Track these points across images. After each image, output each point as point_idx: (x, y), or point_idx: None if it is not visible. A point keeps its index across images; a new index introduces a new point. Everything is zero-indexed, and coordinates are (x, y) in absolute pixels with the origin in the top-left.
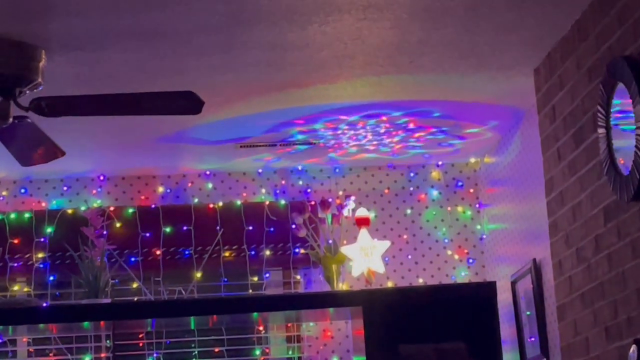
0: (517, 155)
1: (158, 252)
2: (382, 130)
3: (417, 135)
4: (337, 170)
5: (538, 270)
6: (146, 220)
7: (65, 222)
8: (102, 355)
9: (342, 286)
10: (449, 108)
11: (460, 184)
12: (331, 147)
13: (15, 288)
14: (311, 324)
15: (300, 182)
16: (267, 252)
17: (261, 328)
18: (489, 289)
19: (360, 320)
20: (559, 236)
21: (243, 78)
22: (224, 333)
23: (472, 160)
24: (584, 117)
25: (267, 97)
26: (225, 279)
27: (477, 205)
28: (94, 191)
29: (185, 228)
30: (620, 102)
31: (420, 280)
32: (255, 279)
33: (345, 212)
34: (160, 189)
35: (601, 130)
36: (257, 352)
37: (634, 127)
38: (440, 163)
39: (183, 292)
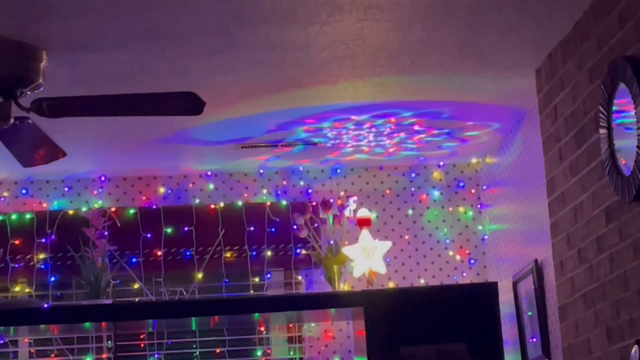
0: (518, 156)
1: (159, 253)
2: (384, 131)
3: (418, 135)
4: (338, 170)
5: (540, 270)
6: (147, 221)
7: (67, 223)
8: (104, 356)
9: (343, 287)
10: (450, 108)
11: (461, 184)
12: (332, 148)
13: (17, 289)
14: (312, 324)
15: (302, 183)
16: (269, 253)
17: (262, 329)
18: (490, 289)
19: (362, 321)
20: (560, 237)
21: (244, 78)
22: (226, 334)
23: (474, 160)
24: (586, 118)
25: (268, 97)
26: (227, 280)
27: (479, 206)
28: (95, 192)
29: (186, 229)
30: (622, 102)
31: (422, 281)
32: (257, 279)
33: (346, 213)
34: (162, 190)
35: (603, 131)
36: (259, 353)
37: (636, 127)
38: (441, 164)
39: (184, 292)
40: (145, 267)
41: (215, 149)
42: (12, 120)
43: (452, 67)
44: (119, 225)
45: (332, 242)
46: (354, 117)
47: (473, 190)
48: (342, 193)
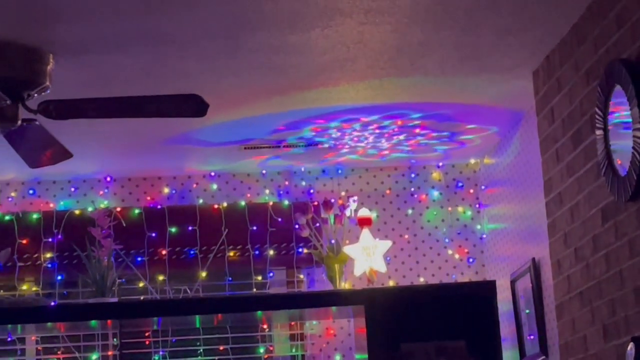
0: (516, 157)
1: (164, 252)
2: (384, 132)
3: (418, 137)
4: (339, 171)
5: (537, 269)
6: (152, 221)
7: (73, 223)
8: (109, 353)
9: (344, 285)
10: (449, 110)
11: (460, 184)
12: (334, 149)
13: (24, 287)
14: (314, 322)
15: (303, 183)
16: (271, 252)
17: (265, 326)
18: (488, 287)
19: (363, 319)
20: (557, 236)
21: (247, 81)
22: (229, 331)
23: (472, 161)
24: (582, 119)
25: (271, 99)
26: (230, 278)
27: (477, 206)
28: (101, 192)
29: (190, 228)
30: (618, 104)
31: (422, 279)
32: (259, 278)
33: (347, 213)
34: (166, 190)
35: (599, 132)
36: (261, 350)
37: (631, 128)
38: (440, 164)
39: (188, 291)
40: (150, 266)
41: (218, 150)
42: (19, 122)
43: (451, 69)
44: (124, 224)
45: (333, 241)
46: (354, 119)
47: (471, 190)
48: (343, 193)
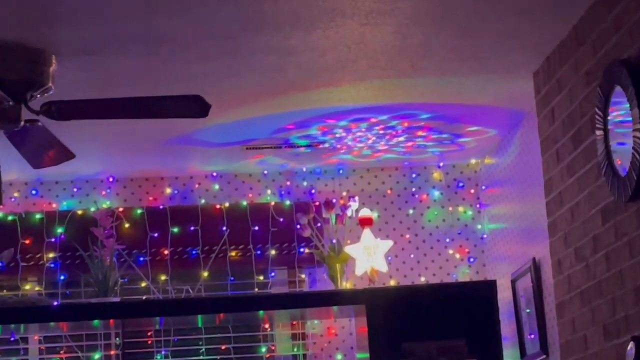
0: (516, 157)
1: (166, 252)
2: (385, 133)
3: (418, 137)
4: (340, 171)
5: (537, 269)
6: (154, 221)
7: (76, 223)
8: (112, 352)
9: (345, 285)
10: (450, 110)
11: (461, 184)
12: (335, 149)
13: (27, 287)
14: (316, 321)
15: (305, 183)
16: (273, 252)
17: (267, 326)
18: (489, 287)
19: (364, 318)
20: (558, 236)
21: (248, 82)
22: (231, 331)
23: (473, 161)
24: (582, 120)
25: (272, 100)
26: (232, 278)
27: (478, 206)
28: (104, 192)
29: (192, 228)
30: (618, 104)
31: (423, 279)
32: (261, 278)
33: (348, 213)
34: (168, 190)
35: (599, 132)
36: (263, 350)
37: (631, 129)
38: (441, 164)
39: (190, 290)
40: (152, 266)
41: (220, 151)
42: (22, 123)
43: (451, 70)
44: (126, 225)
45: (334, 241)
46: (356, 119)
47: (472, 191)
48: (344, 193)
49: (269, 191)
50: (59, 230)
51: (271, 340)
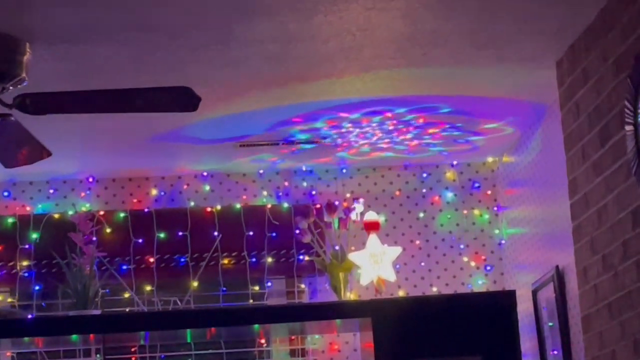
0: (538, 154)
1: (151, 260)
2: (393, 128)
3: (430, 132)
4: (344, 170)
5: (561, 278)
6: (139, 226)
7: (52, 228)
8: None
9: (349, 296)
10: (464, 103)
11: (476, 185)
12: (338, 146)
13: None
14: (316, 336)
15: (305, 184)
16: (269, 259)
17: (263, 341)
18: (508, 298)
19: (370, 333)
20: (583, 241)
21: (242, 72)
22: (223, 347)
23: (490, 159)
24: (610, 114)
25: (269, 92)
26: (224, 289)
27: (495, 208)
28: (83, 194)
29: (180, 233)
30: None
31: (434, 289)
32: (257, 288)
33: (353, 216)
34: (154, 192)
35: (629, 128)
36: None
37: None
38: (455, 163)
39: (178, 302)
40: (136, 275)
41: (211, 148)
42: None
43: (466, 59)
44: (108, 230)
45: (337, 247)
46: (361, 113)
47: (489, 192)
48: (348, 195)
49: (265, 192)
50: (34, 235)
51: (267, 357)
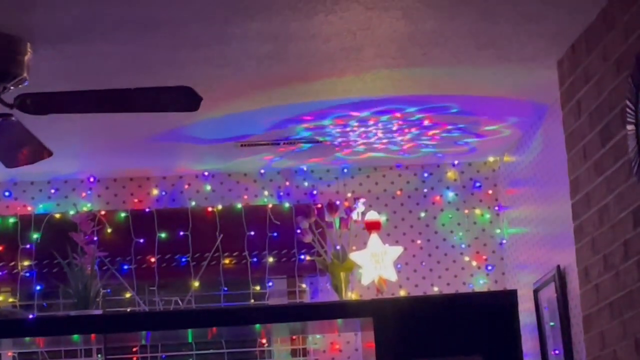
0: (539, 154)
1: (153, 260)
2: (394, 128)
3: (431, 132)
4: (345, 170)
5: (562, 277)
6: (140, 225)
7: (53, 228)
8: None
9: (351, 295)
10: (465, 103)
11: (477, 184)
12: (339, 146)
13: (0, 299)
14: (318, 336)
15: (306, 184)
16: (270, 259)
17: (264, 341)
18: (509, 298)
19: (371, 332)
20: (584, 241)
21: (243, 72)
22: (224, 346)
23: (491, 159)
24: (612, 113)
25: (270, 92)
26: (225, 288)
27: (496, 208)
28: (84, 194)
29: (181, 233)
30: None
31: (435, 289)
32: (258, 288)
33: (354, 216)
34: (155, 192)
35: (630, 127)
36: None
37: None
38: (456, 162)
39: (180, 302)
40: (137, 275)
41: (212, 148)
42: None
43: (467, 59)
44: (109, 230)
45: (338, 247)
46: (361, 113)
47: (490, 191)
48: (349, 194)
49: (266, 192)
50: (35, 235)
51: (269, 357)
